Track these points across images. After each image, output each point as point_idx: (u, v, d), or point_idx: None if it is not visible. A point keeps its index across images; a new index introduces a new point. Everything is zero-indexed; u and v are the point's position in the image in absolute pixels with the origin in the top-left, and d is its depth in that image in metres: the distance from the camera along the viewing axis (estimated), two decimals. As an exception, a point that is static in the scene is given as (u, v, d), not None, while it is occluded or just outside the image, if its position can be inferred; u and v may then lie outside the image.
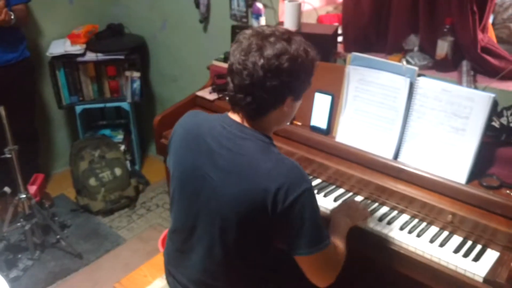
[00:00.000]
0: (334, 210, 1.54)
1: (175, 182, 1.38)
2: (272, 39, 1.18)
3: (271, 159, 1.21)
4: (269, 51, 1.16)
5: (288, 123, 1.43)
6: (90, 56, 3.10)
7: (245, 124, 1.27)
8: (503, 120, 1.58)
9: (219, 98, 2.24)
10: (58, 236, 2.71)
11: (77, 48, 3.05)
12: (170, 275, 1.52)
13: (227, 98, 1.30)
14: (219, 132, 1.27)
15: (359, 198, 1.68)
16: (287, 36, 1.21)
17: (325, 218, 1.52)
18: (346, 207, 1.54)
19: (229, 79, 1.25)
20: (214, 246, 1.31)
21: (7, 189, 2.60)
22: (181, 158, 1.35)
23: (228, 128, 1.26)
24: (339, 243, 1.35)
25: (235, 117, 1.29)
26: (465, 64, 1.92)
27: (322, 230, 1.24)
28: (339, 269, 1.32)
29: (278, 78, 1.17)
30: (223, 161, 1.24)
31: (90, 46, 3.13)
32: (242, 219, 1.23)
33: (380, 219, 1.56)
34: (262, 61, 1.16)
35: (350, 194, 1.70)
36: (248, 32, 1.23)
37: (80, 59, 3.08)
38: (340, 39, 2.29)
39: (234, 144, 1.24)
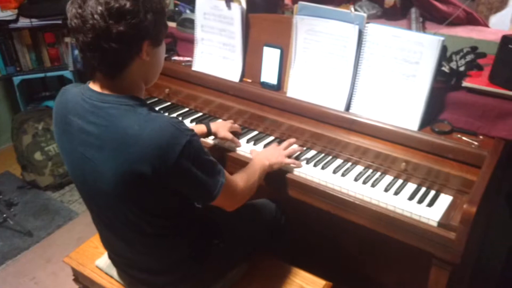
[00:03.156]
0: (254, 154, 1.59)
1: (68, 171, 1.27)
2: None
3: (138, 123, 1.08)
4: None
5: (158, 75, 1.28)
6: (24, 22, 2.89)
7: (106, 90, 1.13)
8: (453, 65, 1.56)
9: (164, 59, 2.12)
10: (4, 215, 2.59)
11: (8, 14, 2.84)
12: (110, 257, 1.50)
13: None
14: (82, 107, 1.14)
15: (312, 152, 1.64)
16: None
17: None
18: (265, 150, 1.59)
19: (74, 40, 1.11)
20: (123, 225, 1.24)
21: None
22: (60, 144, 1.24)
23: (89, 101, 1.13)
24: (243, 177, 1.37)
25: (95, 85, 1.15)
26: (413, 11, 1.89)
27: (215, 170, 1.20)
28: (246, 196, 1.38)
29: (123, 22, 1.03)
30: (93, 138, 1.12)
31: (23, 11, 2.92)
32: (130, 193, 1.13)
33: (334, 171, 1.53)
34: (100, 8, 1.01)
35: (304, 149, 1.66)
36: None
37: (12, 25, 2.88)
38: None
39: (97, 117, 1.11)
